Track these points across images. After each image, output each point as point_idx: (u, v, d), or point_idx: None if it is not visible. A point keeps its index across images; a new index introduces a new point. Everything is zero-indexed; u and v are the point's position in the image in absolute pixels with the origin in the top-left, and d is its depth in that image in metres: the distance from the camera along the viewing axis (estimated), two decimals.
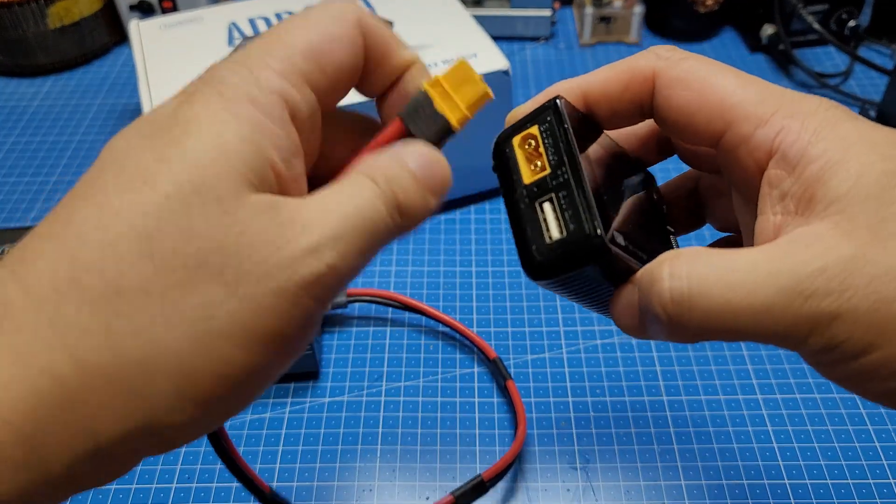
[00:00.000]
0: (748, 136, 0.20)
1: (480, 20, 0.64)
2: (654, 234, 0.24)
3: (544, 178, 0.21)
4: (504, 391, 0.45)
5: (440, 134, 0.22)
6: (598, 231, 0.20)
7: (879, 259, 0.18)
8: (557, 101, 0.22)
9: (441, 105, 0.22)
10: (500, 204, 0.23)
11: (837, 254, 0.18)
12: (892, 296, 0.17)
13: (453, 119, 0.22)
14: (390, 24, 0.58)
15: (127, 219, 0.17)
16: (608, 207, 0.21)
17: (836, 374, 0.19)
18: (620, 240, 0.21)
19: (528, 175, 0.22)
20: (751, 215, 0.22)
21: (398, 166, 0.20)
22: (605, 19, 0.75)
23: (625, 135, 0.26)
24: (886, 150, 0.19)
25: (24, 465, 0.16)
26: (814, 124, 0.20)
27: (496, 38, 0.71)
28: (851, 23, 0.69)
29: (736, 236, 0.27)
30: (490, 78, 0.53)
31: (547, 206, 0.21)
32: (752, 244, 0.21)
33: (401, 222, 0.20)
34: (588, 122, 0.23)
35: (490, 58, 0.54)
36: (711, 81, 0.21)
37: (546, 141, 0.22)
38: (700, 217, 0.27)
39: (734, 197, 0.24)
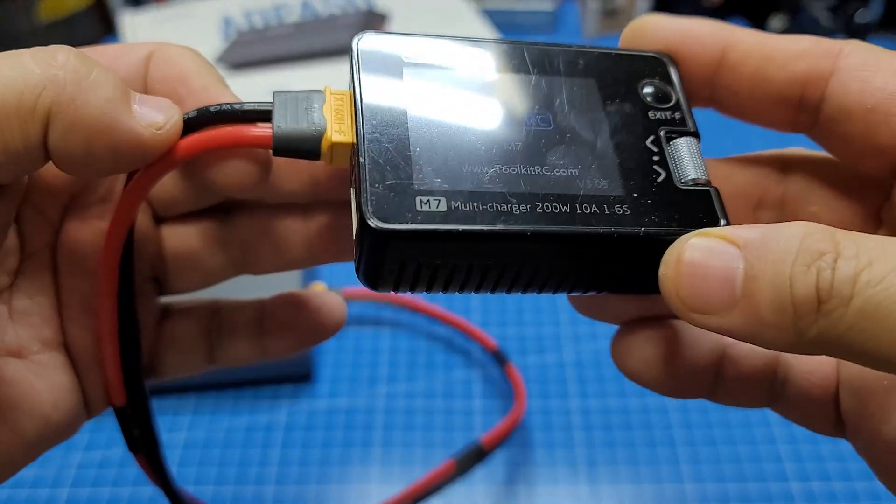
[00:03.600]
0: None
1: (483, 13, 0.63)
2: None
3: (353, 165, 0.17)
4: (505, 378, 0.44)
5: (302, 139, 0.17)
6: (369, 220, 0.15)
7: None
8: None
9: (327, 112, 0.17)
10: None
11: None
12: None
13: (331, 135, 0.17)
14: (383, 17, 0.57)
15: None
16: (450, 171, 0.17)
17: None
18: (439, 205, 0.15)
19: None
20: None
21: None
22: (608, 12, 0.74)
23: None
24: None
25: None
26: None
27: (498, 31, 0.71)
28: (861, 16, 0.69)
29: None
30: None
31: (353, 196, 0.17)
32: None
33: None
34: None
35: None
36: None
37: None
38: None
39: None
